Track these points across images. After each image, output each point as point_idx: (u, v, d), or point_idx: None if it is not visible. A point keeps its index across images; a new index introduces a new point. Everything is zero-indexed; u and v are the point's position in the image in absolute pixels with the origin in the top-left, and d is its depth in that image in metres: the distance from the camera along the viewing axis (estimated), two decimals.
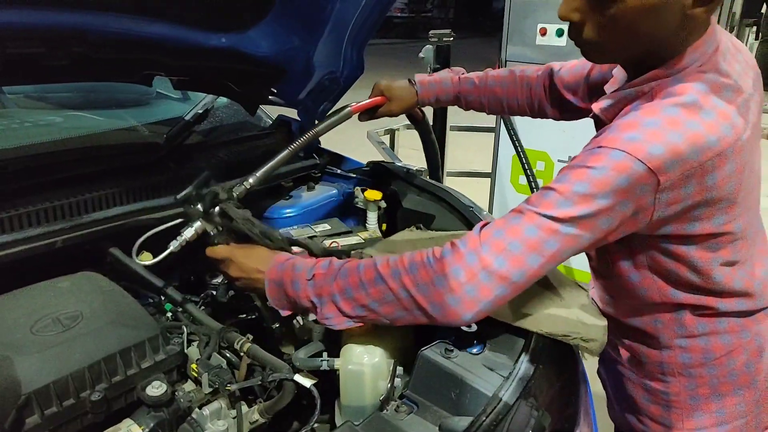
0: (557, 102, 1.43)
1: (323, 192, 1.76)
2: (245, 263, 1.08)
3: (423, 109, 1.62)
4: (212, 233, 1.16)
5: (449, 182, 3.56)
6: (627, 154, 0.85)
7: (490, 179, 3.52)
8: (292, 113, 1.91)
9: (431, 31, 3.64)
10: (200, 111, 1.67)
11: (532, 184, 3.03)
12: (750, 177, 0.97)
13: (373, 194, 1.67)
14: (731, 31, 3.63)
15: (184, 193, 1.21)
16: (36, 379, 0.88)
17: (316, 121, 1.68)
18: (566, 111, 1.44)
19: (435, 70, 3.61)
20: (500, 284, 0.89)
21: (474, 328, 1.09)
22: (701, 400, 1.09)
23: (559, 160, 3.09)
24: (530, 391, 0.97)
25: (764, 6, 2.12)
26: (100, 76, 1.52)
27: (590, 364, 1.22)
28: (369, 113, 1.51)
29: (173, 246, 1.13)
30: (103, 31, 1.26)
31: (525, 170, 3.04)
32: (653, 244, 0.98)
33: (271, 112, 2.03)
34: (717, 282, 1.00)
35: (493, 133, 3.40)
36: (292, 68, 1.67)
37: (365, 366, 1.05)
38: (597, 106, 1.02)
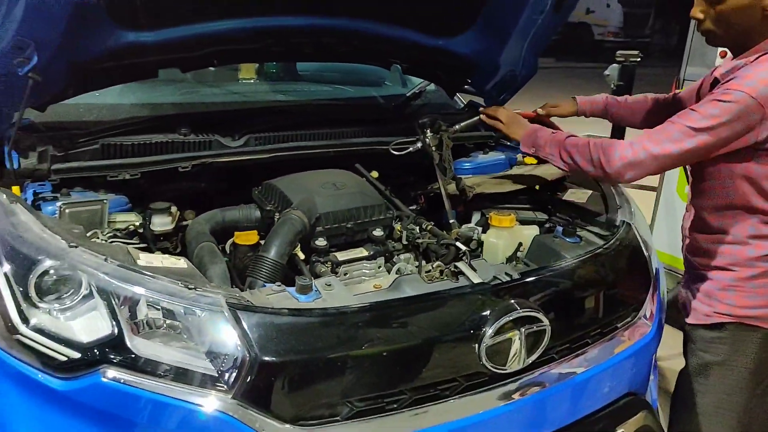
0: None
1: (494, 156, 2.39)
2: (516, 118, 1.92)
3: None
4: (433, 147, 1.94)
5: None
6: (745, 93, 1.41)
7: (655, 193, 3.78)
8: (477, 99, 2.57)
9: (618, 51, 3.99)
10: (417, 91, 2.44)
11: None
12: None
13: (531, 161, 2.28)
14: None
15: (423, 120, 2.02)
16: (323, 208, 1.67)
17: None
18: None
19: (618, 87, 3.99)
20: (654, 161, 1.50)
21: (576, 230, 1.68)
22: (758, 286, 1.55)
23: None
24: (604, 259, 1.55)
25: None
26: (363, 60, 2.38)
27: None
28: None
29: (412, 147, 1.95)
30: (366, 31, 2.06)
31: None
32: (750, 156, 1.49)
33: (462, 98, 2.72)
34: None
35: None
36: (484, 65, 2.33)
37: (500, 241, 1.69)
38: (718, 72, 1.58)
